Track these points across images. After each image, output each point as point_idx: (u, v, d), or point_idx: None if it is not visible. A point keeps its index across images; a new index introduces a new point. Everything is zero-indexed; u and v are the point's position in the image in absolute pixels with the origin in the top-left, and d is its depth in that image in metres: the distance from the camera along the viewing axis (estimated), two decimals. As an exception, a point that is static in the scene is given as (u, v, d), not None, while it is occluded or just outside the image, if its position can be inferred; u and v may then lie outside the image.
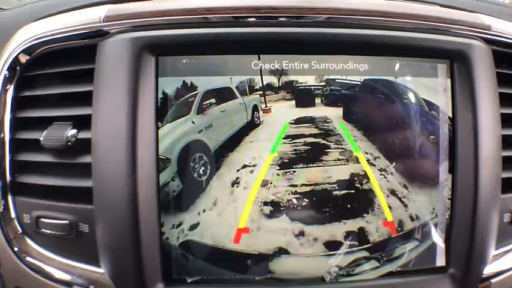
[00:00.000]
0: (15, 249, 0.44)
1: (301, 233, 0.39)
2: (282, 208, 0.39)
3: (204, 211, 0.39)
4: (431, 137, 0.40)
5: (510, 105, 0.43)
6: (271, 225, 0.38)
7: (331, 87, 0.39)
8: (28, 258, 0.43)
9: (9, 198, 0.44)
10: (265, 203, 0.39)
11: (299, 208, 0.39)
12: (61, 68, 0.43)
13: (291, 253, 0.39)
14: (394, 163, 0.40)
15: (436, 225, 0.40)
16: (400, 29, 0.40)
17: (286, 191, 0.38)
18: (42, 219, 0.42)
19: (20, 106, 0.44)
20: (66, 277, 0.42)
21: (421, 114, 0.40)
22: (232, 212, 0.39)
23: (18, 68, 0.44)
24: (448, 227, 0.40)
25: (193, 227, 0.39)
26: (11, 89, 0.44)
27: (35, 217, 0.43)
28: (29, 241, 0.43)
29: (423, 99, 0.40)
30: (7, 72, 0.44)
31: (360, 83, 0.39)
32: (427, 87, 0.40)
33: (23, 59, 0.44)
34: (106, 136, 0.38)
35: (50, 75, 0.44)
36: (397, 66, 0.40)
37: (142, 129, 0.37)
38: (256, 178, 0.38)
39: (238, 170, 0.38)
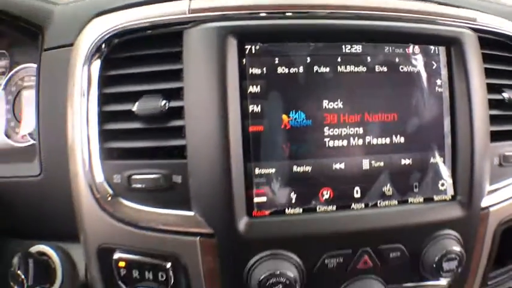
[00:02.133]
0: (106, 208, 0.51)
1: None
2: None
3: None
4: (437, 99, 0.54)
5: (492, 76, 0.58)
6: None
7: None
8: (119, 215, 0.51)
9: (99, 163, 0.51)
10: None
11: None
12: (148, 50, 0.52)
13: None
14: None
15: (444, 163, 0.54)
16: (412, 21, 0.54)
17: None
18: (134, 177, 0.50)
19: (106, 84, 0.52)
20: (159, 225, 0.51)
21: (429, 81, 0.53)
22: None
23: (104, 50, 0.53)
24: (454, 166, 0.54)
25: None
26: (97, 69, 0.52)
27: (126, 176, 0.51)
28: (120, 199, 0.51)
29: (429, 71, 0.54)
30: (93, 54, 0.52)
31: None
32: (431, 64, 0.54)
33: (108, 43, 0.53)
34: (199, 103, 0.48)
35: (134, 56, 0.53)
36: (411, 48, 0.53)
37: (230, 94, 0.48)
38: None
39: None
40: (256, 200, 0.50)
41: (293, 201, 0.50)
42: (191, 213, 0.50)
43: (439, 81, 0.54)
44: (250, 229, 0.49)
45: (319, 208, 0.51)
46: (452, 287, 0.57)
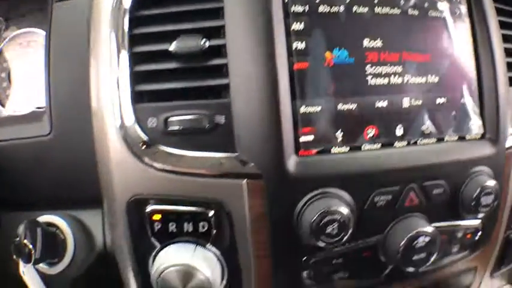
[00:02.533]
0: (140, 155, 0.48)
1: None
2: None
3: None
4: (462, 43, 0.56)
5: (503, 27, 0.62)
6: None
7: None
8: (156, 161, 0.47)
9: (130, 107, 0.48)
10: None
11: None
12: None
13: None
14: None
15: (473, 104, 0.55)
16: None
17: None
18: (172, 119, 0.47)
19: (139, 24, 0.49)
20: (200, 169, 0.47)
21: (455, 27, 0.56)
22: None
23: None
24: (481, 107, 0.56)
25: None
26: (127, 8, 0.49)
27: (163, 119, 0.47)
28: (156, 144, 0.47)
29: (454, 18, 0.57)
30: None
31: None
32: (455, 11, 0.57)
33: None
34: (244, 40, 0.47)
35: None
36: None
37: (276, 30, 0.47)
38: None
39: None
40: (302, 139, 0.48)
41: (339, 139, 0.50)
42: (235, 155, 0.48)
43: (463, 27, 0.56)
44: (299, 168, 0.47)
45: (365, 146, 0.51)
46: (484, 228, 0.58)
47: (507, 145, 0.58)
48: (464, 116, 0.55)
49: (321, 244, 0.47)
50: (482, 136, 0.56)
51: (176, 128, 0.47)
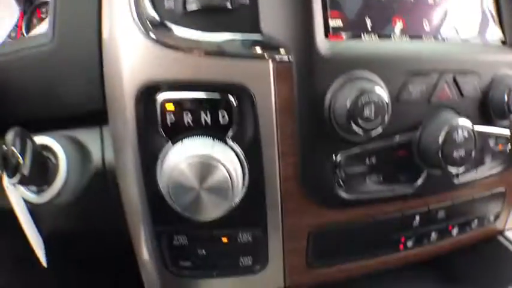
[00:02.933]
0: (156, 35, 0.42)
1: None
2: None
3: None
4: None
5: None
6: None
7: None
8: (173, 42, 0.42)
9: None
10: None
11: None
12: None
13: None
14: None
15: (491, 12, 0.54)
16: None
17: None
18: None
19: None
20: (222, 49, 0.42)
21: None
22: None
23: None
24: (499, 15, 0.54)
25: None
26: None
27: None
28: (174, 25, 0.42)
29: None
30: None
31: None
32: None
33: None
34: None
35: None
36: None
37: None
38: None
39: None
40: (331, 23, 0.45)
41: (368, 27, 0.47)
42: (261, 36, 0.43)
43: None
44: (330, 50, 0.44)
45: (394, 36, 0.48)
46: None
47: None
48: (485, 22, 0.54)
49: (357, 129, 0.42)
50: (503, 43, 0.55)
51: (195, 7, 0.42)
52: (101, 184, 0.51)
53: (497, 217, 0.62)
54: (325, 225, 0.49)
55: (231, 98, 0.43)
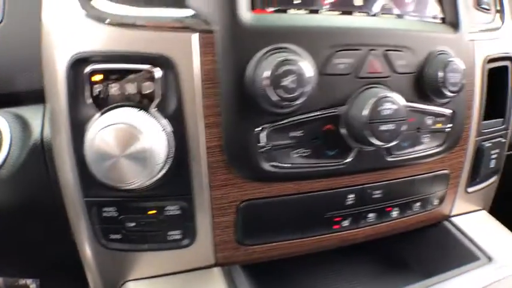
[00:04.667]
0: (85, 6, 0.43)
1: None
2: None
3: None
4: None
5: None
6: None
7: None
8: (100, 13, 0.43)
9: None
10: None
11: None
12: None
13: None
14: None
15: None
16: None
17: None
18: None
19: None
20: (149, 22, 0.43)
21: None
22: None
23: None
24: None
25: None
26: None
27: None
28: (102, 2, 0.43)
29: None
30: None
31: None
32: None
33: None
34: None
35: None
36: None
37: None
38: None
39: None
40: (258, -3, 0.46)
41: (296, 1, 0.47)
42: (188, 10, 0.44)
43: None
44: (254, 22, 0.44)
45: (323, 11, 0.48)
46: (454, 118, 0.55)
47: (469, 37, 0.57)
48: (423, 0, 0.54)
49: (275, 99, 0.42)
50: (443, 21, 0.55)
51: None
52: (39, 158, 0.52)
53: (441, 200, 0.61)
54: (254, 199, 0.49)
55: (156, 69, 0.43)
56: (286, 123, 0.46)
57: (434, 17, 0.55)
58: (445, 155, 0.57)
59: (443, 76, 0.50)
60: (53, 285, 0.69)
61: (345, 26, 0.48)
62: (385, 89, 0.49)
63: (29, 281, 0.65)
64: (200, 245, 0.50)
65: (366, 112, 0.46)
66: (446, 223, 0.63)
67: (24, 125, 0.53)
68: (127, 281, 0.51)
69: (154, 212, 0.48)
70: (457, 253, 0.59)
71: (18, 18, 0.53)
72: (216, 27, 0.44)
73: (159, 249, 0.49)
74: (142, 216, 0.48)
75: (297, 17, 0.47)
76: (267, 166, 0.47)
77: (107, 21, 0.43)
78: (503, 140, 0.66)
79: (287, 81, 0.42)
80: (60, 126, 0.45)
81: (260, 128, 0.46)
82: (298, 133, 0.47)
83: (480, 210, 0.69)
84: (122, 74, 0.44)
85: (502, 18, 0.65)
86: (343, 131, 0.48)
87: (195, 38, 0.44)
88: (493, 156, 0.64)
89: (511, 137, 0.70)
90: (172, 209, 0.48)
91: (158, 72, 0.44)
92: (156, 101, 0.44)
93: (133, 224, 0.48)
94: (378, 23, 0.50)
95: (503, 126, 0.66)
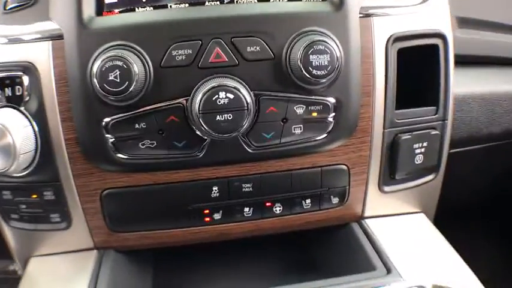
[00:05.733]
0: None
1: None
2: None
3: None
4: None
5: None
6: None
7: None
8: None
9: None
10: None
11: None
12: None
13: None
14: None
15: None
16: None
17: None
18: None
19: None
20: (17, 35, 0.49)
21: None
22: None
23: None
24: None
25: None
26: None
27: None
28: None
29: None
30: None
31: None
32: None
33: None
34: None
35: None
36: None
37: None
38: None
39: None
40: (107, 0, 0.49)
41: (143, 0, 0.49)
42: (49, 22, 0.50)
43: None
44: (95, 22, 0.47)
45: (171, 6, 0.49)
46: (338, 107, 0.50)
47: (363, 12, 0.51)
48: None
49: (108, 97, 0.45)
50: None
51: (10, 5, 0.52)
52: None
53: (342, 199, 0.55)
54: (114, 188, 0.52)
55: (23, 74, 0.50)
56: (129, 115, 0.48)
57: (314, -4, 0.50)
58: (333, 147, 0.52)
59: (305, 59, 0.46)
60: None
61: (182, 18, 0.47)
62: (231, 78, 0.47)
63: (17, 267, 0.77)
64: (77, 229, 0.55)
65: (197, 101, 0.45)
66: (353, 225, 0.56)
67: None
68: (32, 257, 0.59)
69: (35, 196, 0.54)
70: (355, 259, 0.52)
71: None
72: (64, 32, 0.48)
73: (46, 230, 0.56)
74: (28, 199, 0.55)
75: (138, 15, 0.48)
76: (117, 157, 0.50)
77: None
78: (435, 132, 0.56)
79: (111, 76, 0.45)
80: None
81: (106, 121, 0.49)
82: (142, 125, 0.49)
83: (416, 213, 0.59)
84: (1, 80, 0.51)
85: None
86: (190, 122, 0.48)
87: (48, 45, 0.49)
88: (418, 151, 0.55)
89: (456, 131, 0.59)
90: (48, 194, 0.54)
91: (25, 77, 0.50)
92: (25, 101, 0.51)
93: (24, 206, 0.56)
94: (227, 10, 0.48)
95: (435, 116, 0.56)
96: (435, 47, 0.55)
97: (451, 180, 0.60)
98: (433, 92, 0.56)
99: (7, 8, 0.53)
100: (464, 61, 0.69)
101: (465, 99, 0.65)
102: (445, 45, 0.55)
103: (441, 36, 0.55)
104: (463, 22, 0.73)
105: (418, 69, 0.57)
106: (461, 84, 0.63)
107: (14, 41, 0.50)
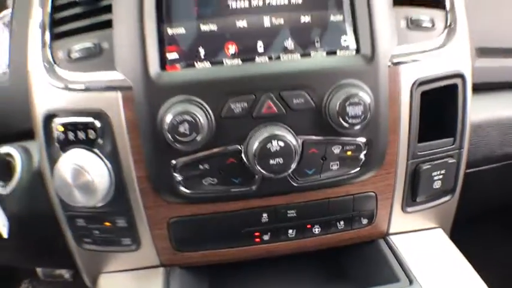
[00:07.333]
0: (51, 77, 0.58)
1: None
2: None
3: None
4: None
5: None
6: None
7: None
8: (60, 82, 0.58)
9: (48, 44, 0.60)
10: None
11: None
12: None
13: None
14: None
15: (344, 21, 0.57)
16: None
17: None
18: (72, 48, 0.58)
19: None
20: (89, 85, 0.57)
21: None
22: None
23: None
24: (354, 24, 0.57)
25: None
26: None
27: (67, 50, 0.59)
28: (62, 69, 0.58)
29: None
30: None
31: None
32: None
33: None
34: None
35: None
36: None
37: None
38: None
39: None
40: (168, 56, 0.56)
41: (202, 55, 0.56)
42: (115, 72, 0.57)
43: None
44: (161, 78, 0.55)
45: (226, 62, 0.56)
46: (370, 146, 0.58)
47: (392, 61, 0.58)
48: (334, 32, 0.57)
49: (177, 145, 0.53)
50: (357, 52, 0.57)
51: (76, 55, 0.58)
52: (39, 181, 0.70)
53: (371, 220, 0.64)
54: (180, 216, 0.61)
55: (96, 121, 0.58)
56: (194, 158, 0.57)
57: (347, 49, 0.57)
58: (364, 179, 0.60)
59: (342, 110, 0.54)
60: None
61: (239, 75, 0.55)
62: (280, 126, 0.55)
63: (63, 271, 0.87)
64: (146, 250, 0.65)
65: (253, 148, 0.54)
66: (380, 241, 0.65)
67: (29, 155, 0.73)
68: (101, 273, 0.68)
69: (109, 224, 0.64)
70: (381, 272, 0.62)
71: (19, 83, 0.67)
72: (133, 85, 0.56)
73: (116, 251, 0.66)
74: (102, 226, 0.64)
75: (199, 71, 0.56)
76: (183, 192, 0.59)
77: (64, 86, 0.58)
78: (452, 161, 0.64)
79: (182, 129, 0.53)
80: (43, 160, 0.63)
81: (174, 162, 0.57)
82: (205, 166, 0.57)
83: (434, 228, 0.68)
84: (74, 125, 0.59)
85: (451, 34, 0.62)
86: (246, 163, 0.57)
87: (119, 94, 0.57)
88: (437, 177, 0.63)
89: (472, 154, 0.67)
90: (121, 222, 0.63)
91: (97, 123, 0.58)
92: (98, 144, 0.59)
93: (97, 232, 0.65)
94: (275, 67, 0.56)
95: (452, 146, 0.64)
96: (454, 86, 0.63)
97: (466, 197, 0.68)
98: (450, 124, 0.64)
99: (72, 57, 0.59)
100: (482, 88, 0.73)
101: (481, 126, 0.72)
102: (463, 84, 0.63)
103: (460, 76, 0.62)
104: (483, 52, 0.76)
105: (437, 103, 0.64)
106: (478, 110, 0.68)
107: (86, 89, 0.58)
